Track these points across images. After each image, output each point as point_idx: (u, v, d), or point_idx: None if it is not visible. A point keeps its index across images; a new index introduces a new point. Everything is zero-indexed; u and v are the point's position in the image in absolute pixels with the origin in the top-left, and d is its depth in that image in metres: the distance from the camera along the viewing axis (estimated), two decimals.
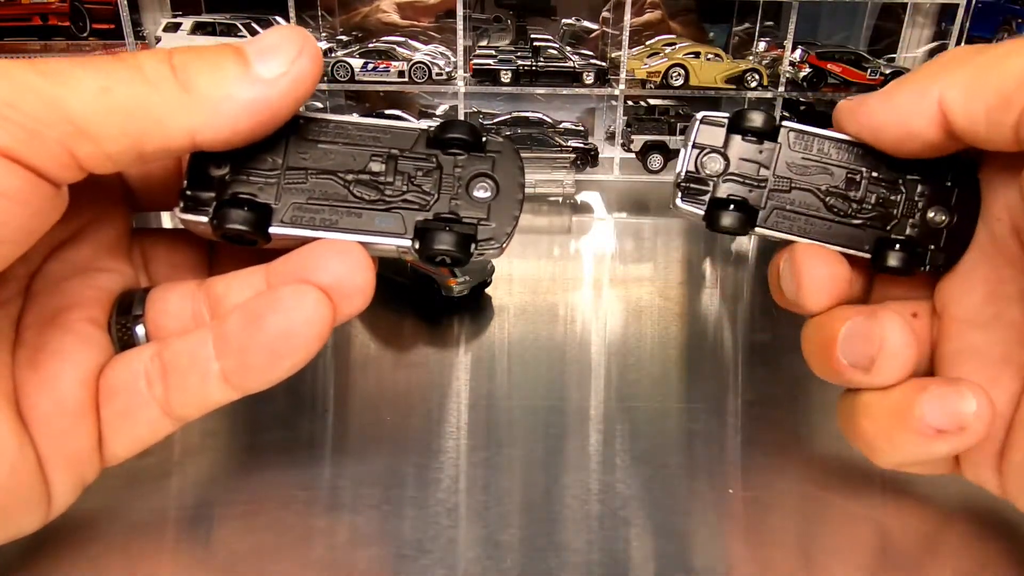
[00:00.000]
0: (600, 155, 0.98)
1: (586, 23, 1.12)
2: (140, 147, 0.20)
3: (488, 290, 0.60)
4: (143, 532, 0.32)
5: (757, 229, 0.28)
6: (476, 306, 0.58)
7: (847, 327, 0.27)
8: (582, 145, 0.96)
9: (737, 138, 0.28)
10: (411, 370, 0.49)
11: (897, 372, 0.27)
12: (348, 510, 0.34)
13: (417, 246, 0.25)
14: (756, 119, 0.28)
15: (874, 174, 0.28)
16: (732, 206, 0.28)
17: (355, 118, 0.26)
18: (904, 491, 0.35)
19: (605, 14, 1.11)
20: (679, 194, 0.28)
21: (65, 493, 0.25)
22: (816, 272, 0.27)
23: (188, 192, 0.25)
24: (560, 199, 0.90)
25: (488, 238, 0.25)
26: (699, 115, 0.29)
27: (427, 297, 0.57)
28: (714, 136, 0.28)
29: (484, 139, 0.26)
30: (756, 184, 0.28)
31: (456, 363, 0.49)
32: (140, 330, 0.26)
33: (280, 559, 0.31)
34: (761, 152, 0.28)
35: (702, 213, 0.28)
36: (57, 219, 0.21)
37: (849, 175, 0.28)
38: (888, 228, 0.28)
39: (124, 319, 0.26)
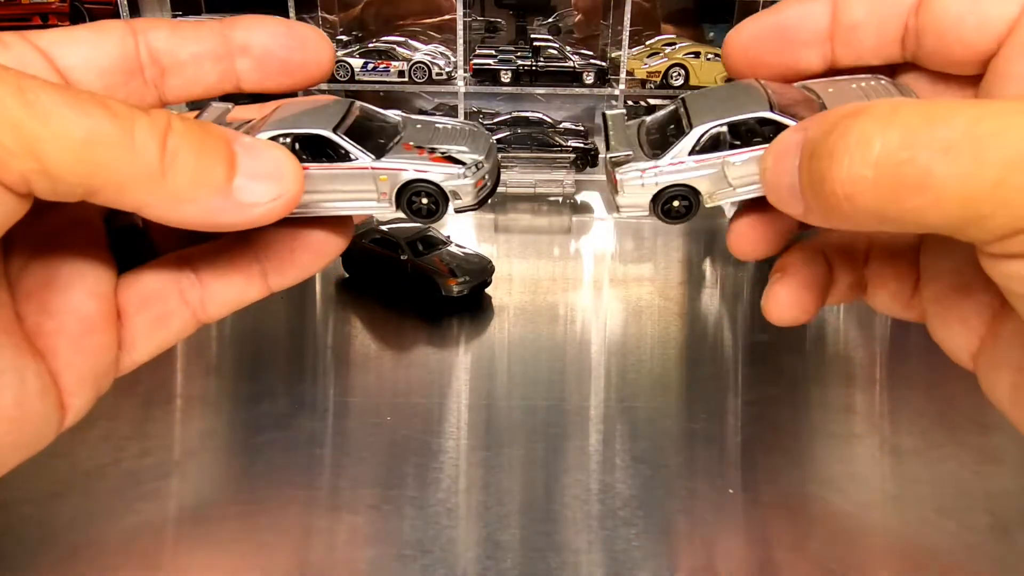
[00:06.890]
0: (600, 155, 0.98)
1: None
2: (89, 195, 0.20)
3: (488, 290, 0.60)
4: (143, 532, 0.32)
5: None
6: (476, 306, 0.58)
7: None
8: (582, 145, 0.95)
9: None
10: (411, 370, 0.49)
11: None
12: (348, 510, 0.34)
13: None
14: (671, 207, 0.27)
15: None
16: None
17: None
18: (901, 490, 0.35)
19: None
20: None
21: (82, 408, 0.26)
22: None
23: None
24: (560, 199, 0.90)
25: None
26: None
27: (427, 297, 0.57)
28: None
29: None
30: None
31: (456, 363, 0.49)
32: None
33: (280, 559, 0.31)
34: None
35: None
36: (23, 213, 0.21)
37: None
38: None
39: (130, 239, 0.28)
